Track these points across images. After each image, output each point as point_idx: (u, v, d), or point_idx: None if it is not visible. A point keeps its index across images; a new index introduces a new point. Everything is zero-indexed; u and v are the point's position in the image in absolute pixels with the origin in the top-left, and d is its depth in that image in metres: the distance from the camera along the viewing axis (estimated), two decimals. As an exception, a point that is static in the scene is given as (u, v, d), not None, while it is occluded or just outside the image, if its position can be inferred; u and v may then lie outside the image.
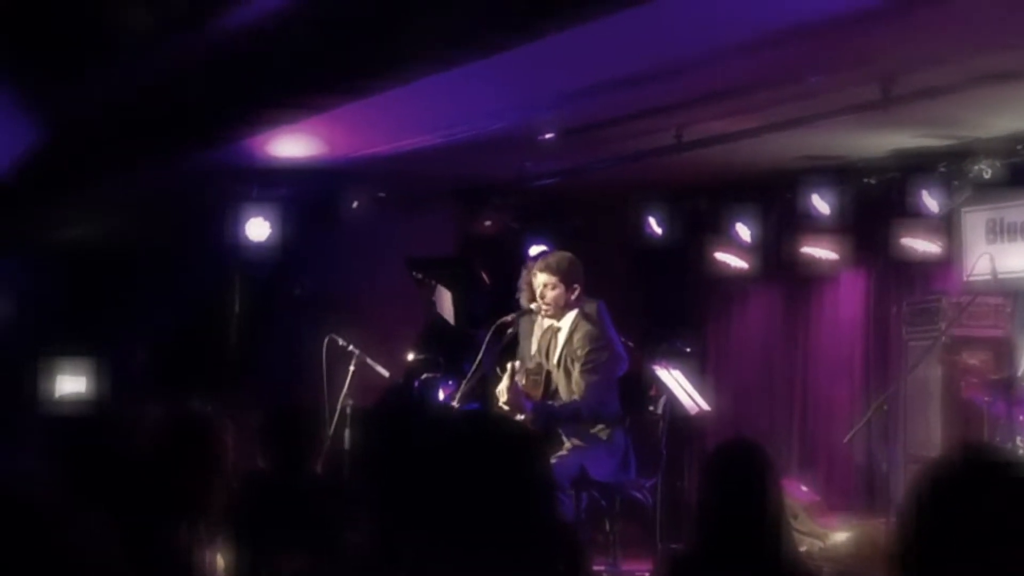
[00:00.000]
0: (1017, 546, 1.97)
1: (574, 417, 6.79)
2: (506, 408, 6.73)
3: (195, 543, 3.45)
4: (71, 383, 8.99)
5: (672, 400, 7.75)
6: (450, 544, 2.29)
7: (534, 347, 7.09)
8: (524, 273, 7.12)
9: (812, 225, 9.04)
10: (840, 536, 7.96)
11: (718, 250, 9.79)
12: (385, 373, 8.20)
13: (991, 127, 7.84)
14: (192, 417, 4.09)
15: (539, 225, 10.05)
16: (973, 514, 2.00)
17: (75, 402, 4.44)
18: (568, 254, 7.12)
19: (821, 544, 8.01)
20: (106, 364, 9.09)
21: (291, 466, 4.94)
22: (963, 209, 8.41)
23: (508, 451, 2.37)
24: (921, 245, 8.62)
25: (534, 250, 9.25)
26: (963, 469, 2.10)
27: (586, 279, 7.04)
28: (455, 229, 10.33)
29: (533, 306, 6.97)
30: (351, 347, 8.11)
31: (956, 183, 8.20)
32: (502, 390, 6.74)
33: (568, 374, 6.88)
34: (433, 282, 9.24)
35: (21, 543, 1.66)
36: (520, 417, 6.66)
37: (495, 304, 8.17)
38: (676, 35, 6.09)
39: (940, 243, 8.55)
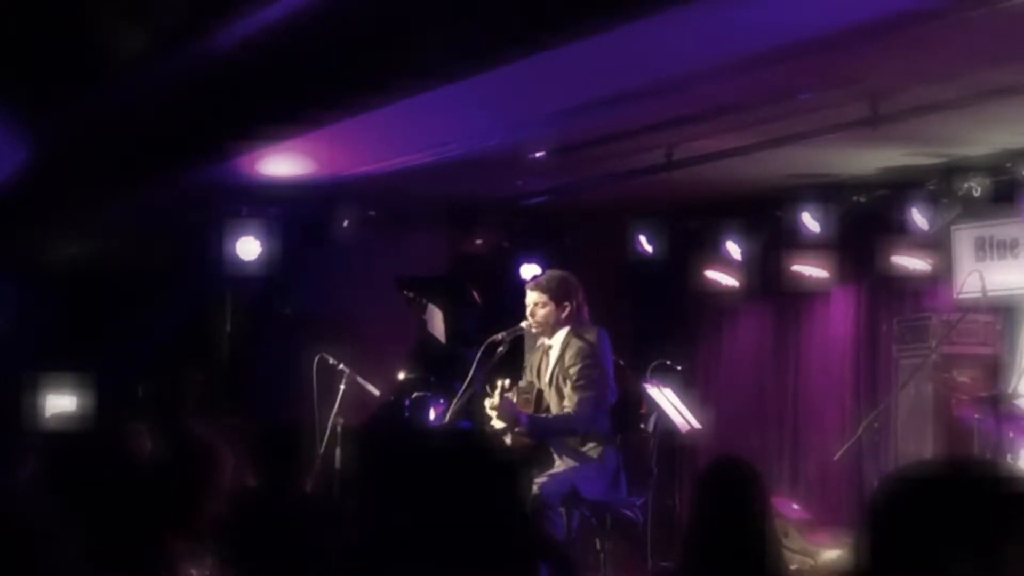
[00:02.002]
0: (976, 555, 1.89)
1: (567, 429, 6.78)
2: (498, 426, 6.72)
3: (184, 561, 3.45)
4: (62, 401, 8.96)
5: (663, 418, 7.74)
6: (437, 563, 2.29)
7: (526, 365, 7.09)
8: None
9: (802, 243, 9.05)
10: (831, 554, 7.94)
11: (709, 268, 9.79)
12: (376, 392, 8.18)
13: (980, 144, 7.87)
14: (195, 438, 4.08)
15: (530, 244, 10.05)
16: (940, 524, 1.92)
17: (65, 420, 4.44)
18: (561, 273, 7.11)
19: (812, 562, 7.99)
20: (97, 382, 9.06)
21: (281, 485, 4.93)
22: (952, 227, 8.43)
23: (490, 470, 2.37)
24: (911, 263, 8.64)
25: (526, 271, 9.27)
26: (932, 477, 2.01)
27: (587, 300, 7.04)
28: (446, 248, 10.32)
29: (524, 324, 6.96)
30: (341, 366, 8.10)
31: (945, 201, 8.22)
32: (493, 407, 6.73)
33: (560, 392, 6.86)
34: (424, 301, 9.23)
35: (7, 559, 1.66)
36: (515, 430, 6.66)
37: (486, 322, 8.16)
38: (666, 54, 6.10)
39: (930, 261, 8.57)
